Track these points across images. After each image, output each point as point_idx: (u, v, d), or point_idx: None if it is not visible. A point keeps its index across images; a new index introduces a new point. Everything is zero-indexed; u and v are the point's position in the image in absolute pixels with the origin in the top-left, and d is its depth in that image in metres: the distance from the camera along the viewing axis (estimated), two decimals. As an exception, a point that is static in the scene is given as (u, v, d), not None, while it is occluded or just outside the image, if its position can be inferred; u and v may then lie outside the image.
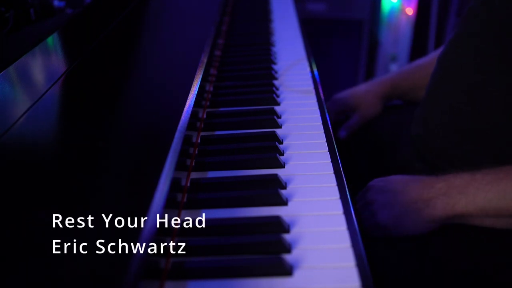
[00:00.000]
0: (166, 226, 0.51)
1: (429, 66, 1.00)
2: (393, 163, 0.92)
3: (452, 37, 0.84)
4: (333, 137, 0.72)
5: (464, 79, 0.80)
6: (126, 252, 0.41)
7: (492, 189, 0.68)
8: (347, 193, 0.62)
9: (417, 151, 0.89)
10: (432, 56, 1.08)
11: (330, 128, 0.74)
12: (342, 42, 2.17)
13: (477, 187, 0.69)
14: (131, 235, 0.43)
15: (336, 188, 0.61)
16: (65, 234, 0.44)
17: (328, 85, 1.03)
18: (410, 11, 2.14)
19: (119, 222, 0.45)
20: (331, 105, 1.14)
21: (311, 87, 0.90)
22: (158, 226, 0.47)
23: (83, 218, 0.46)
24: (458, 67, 0.82)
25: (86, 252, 0.42)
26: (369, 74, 2.25)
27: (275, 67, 0.99)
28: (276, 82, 0.92)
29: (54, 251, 0.42)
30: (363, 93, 1.10)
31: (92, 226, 0.45)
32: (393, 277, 0.72)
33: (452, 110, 0.82)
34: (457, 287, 0.69)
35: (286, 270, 0.48)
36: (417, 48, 2.11)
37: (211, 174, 0.65)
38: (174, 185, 0.55)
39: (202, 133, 0.75)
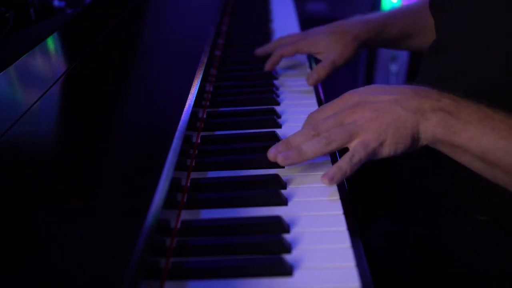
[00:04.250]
0: (166, 226, 0.51)
1: (420, 12, 0.96)
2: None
3: None
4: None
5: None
6: (126, 252, 0.41)
7: (507, 137, 0.58)
8: (348, 193, 0.62)
9: None
10: (420, 3, 0.99)
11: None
12: (342, 42, 2.17)
13: (493, 127, 0.59)
14: (131, 235, 0.43)
15: (336, 188, 0.61)
16: (65, 234, 0.44)
17: (328, 85, 1.02)
18: (410, 11, 2.14)
19: (119, 222, 0.46)
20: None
21: (311, 87, 0.90)
22: (158, 226, 0.47)
23: (83, 218, 0.46)
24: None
25: (86, 252, 0.42)
26: (369, 74, 2.25)
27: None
28: (276, 82, 0.92)
29: (54, 251, 0.42)
30: (340, 33, 0.94)
31: (92, 226, 0.45)
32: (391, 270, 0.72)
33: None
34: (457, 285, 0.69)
35: (286, 270, 0.48)
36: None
37: (211, 174, 0.65)
38: (174, 185, 0.55)
39: (202, 133, 0.75)
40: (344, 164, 0.58)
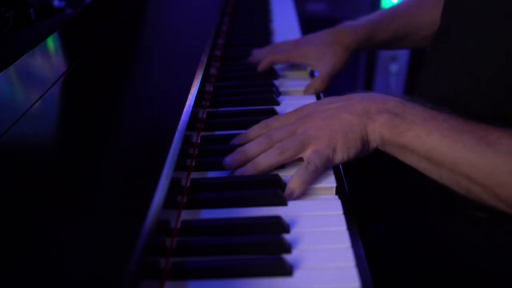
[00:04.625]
0: (166, 226, 0.51)
1: (411, 13, 0.98)
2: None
3: None
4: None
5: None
6: (126, 252, 0.41)
7: (450, 135, 0.60)
8: (348, 193, 0.62)
9: None
10: (407, 3, 1.01)
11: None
12: (342, 42, 2.17)
13: (437, 126, 0.61)
14: (131, 235, 0.43)
15: (336, 188, 0.61)
16: (65, 234, 0.44)
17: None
18: (410, 11, 2.14)
19: (119, 222, 0.46)
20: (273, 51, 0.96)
21: (311, 87, 0.90)
22: (158, 226, 0.47)
23: (83, 218, 0.46)
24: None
25: (86, 252, 0.42)
26: (369, 74, 2.25)
27: (275, 67, 0.99)
28: (276, 82, 0.92)
29: (54, 251, 0.42)
30: (329, 45, 0.93)
31: (92, 226, 0.45)
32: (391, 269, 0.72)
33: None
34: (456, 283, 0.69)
35: (286, 270, 0.48)
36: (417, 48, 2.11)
37: (211, 174, 0.65)
38: (174, 185, 0.55)
39: (202, 133, 0.75)
40: (302, 173, 0.61)
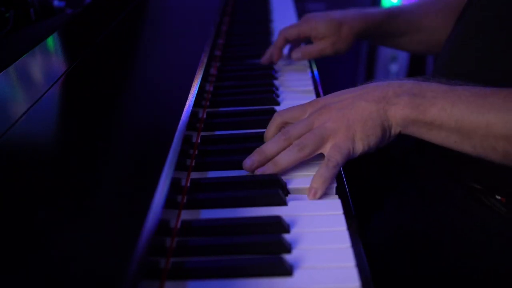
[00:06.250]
0: (166, 226, 0.51)
1: (414, 13, 1.00)
2: (397, 149, 0.84)
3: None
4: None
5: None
6: (126, 252, 0.41)
7: (476, 101, 0.59)
8: (348, 193, 0.62)
9: None
10: (419, 3, 1.03)
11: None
12: (342, 42, 2.17)
13: (458, 95, 0.60)
14: (131, 235, 0.43)
15: (336, 188, 0.61)
16: (65, 234, 0.44)
17: (328, 85, 1.02)
18: (410, 11, 2.14)
19: (119, 222, 0.46)
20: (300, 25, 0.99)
21: (311, 87, 0.90)
22: (158, 226, 0.47)
23: (83, 218, 0.46)
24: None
25: (86, 252, 0.42)
26: (369, 74, 2.25)
27: (275, 67, 0.99)
28: (276, 82, 0.92)
29: (54, 251, 0.42)
30: (338, 23, 0.96)
31: (92, 226, 0.45)
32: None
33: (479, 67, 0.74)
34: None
35: (286, 270, 0.48)
36: (417, 48, 2.11)
37: (211, 174, 0.65)
38: (174, 185, 0.55)
39: (202, 133, 0.75)
40: (323, 171, 0.60)
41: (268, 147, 0.64)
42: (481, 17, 0.77)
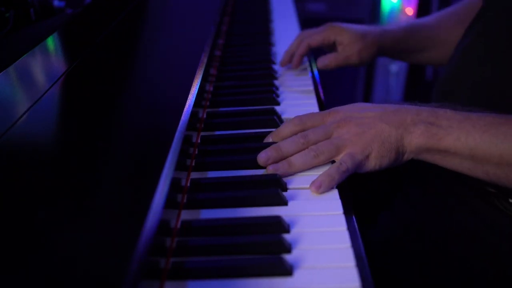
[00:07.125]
0: (166, 226, 0.51)
1: (434, 28, 1.01)
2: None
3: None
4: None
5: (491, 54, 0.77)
6: (126, 252, 0.41)
7: (489, 130, 0.61)
8: (348, 193, 0.62)
9: None
10: (436, 17, 1.04)
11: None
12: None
13: (473, 124, 0.62)
14: (131, 235, 0.43)
15: (336, 188, 0.61)
16: (65, 234, 0.44)
17: (328, 85, 1.02)
18: (410, 11, 2.14)
19: (119, 222, 0.46)
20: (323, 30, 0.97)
21: (311, 87, 0.90)
22: (158, 226, 0.47)
23: (83, 218, 0.46)
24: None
25: (86, 252, 0.42)
26: (369, 74, 2.25)
27: (275, 67, 0.99)
28: (276, 82, 0.92)
29: (54, 251, 0.42)
30: (363, 31, 0.97)
31: (92, 226, 0.45)
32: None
33: (478, 85, 0.77)
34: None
35: (286, 270, 0.48)
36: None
37: (211, 174, 0.65)
38: (174, 185, 0.55)
39: (202, 133, 0.75)
40: (333, 171, 0.61)
41: (286, 146, 0.65)
42: (488, 29, 0.78)
